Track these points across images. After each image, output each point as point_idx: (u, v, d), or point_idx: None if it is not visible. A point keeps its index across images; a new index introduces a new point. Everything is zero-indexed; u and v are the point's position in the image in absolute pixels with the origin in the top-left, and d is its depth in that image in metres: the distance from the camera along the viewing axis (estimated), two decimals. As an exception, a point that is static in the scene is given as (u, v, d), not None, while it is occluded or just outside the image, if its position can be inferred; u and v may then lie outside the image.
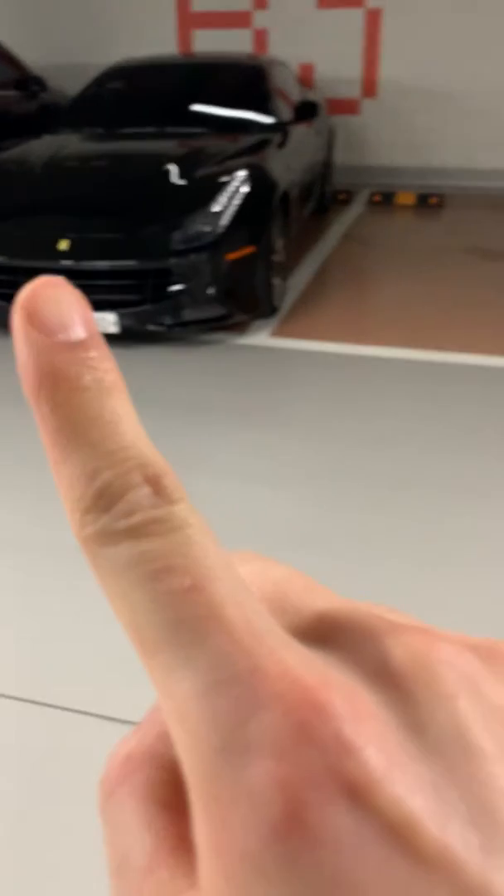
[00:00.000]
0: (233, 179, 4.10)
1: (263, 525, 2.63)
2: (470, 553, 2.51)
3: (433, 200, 7.36)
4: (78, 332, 0.19)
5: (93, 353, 0.19)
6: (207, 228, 3.94)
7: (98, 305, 3.87)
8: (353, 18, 7.87)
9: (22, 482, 2.91)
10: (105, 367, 0.20)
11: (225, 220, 3.98)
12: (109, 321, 3.89)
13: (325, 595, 0.22)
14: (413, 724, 0.17)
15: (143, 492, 0.19)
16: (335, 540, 2.58)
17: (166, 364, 3.96)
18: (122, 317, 3.90)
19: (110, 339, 3.84)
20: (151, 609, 0.18)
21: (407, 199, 7.45)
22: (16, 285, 3.98)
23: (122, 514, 0.18)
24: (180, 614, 0.18)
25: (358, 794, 0.16)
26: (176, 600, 0.18)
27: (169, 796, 0.20)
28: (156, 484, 0.19)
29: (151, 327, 3.99)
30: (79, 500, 0.19)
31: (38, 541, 2.55)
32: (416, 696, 0.18)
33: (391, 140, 8.26)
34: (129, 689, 1.92)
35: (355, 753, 0.16)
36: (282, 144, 4.81)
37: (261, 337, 4.26)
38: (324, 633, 0.20)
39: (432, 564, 2.45)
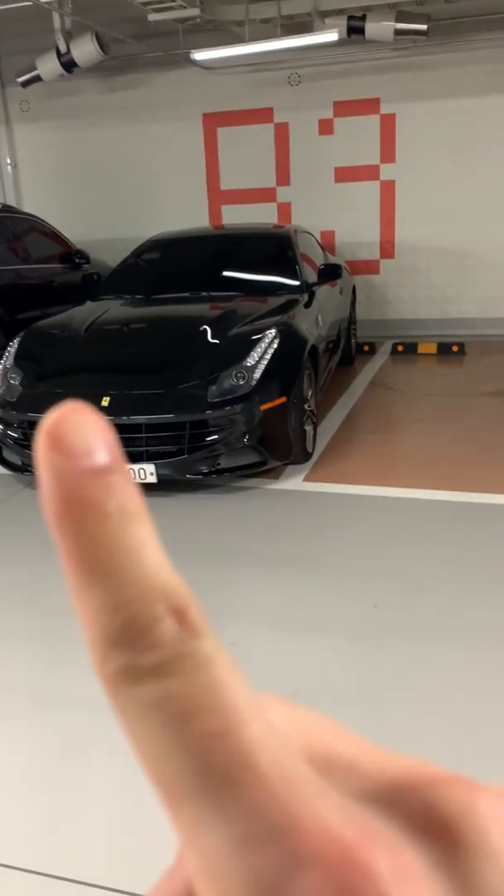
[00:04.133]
0: (264, 337, 4.36)
1: (295, 673, 2.58)
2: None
3: (455, 348, 7.68)
4: (101, 457, 0.18)
5: (116, 478, 0.18)
6: (241, 382, 4.16)
7: (136, 457, 4.04)
8: (369, 189, 8.54)
9: (40, 632, 2.94)
10: (128, 492, 0.19)
11: (258, 374, 4.21)
12: (148, 472, 4.03)
13: (357, 741, 0.21)
14: (461, 886, 0.17)
15: (168, 625, 0.18)
16: (368, 692, 2.51)
17: (202, 509, 4.05)
18: (159, 467, 4.05)
19: (146, 487, 3.95)
20: (179, 754, 0.17)
21: (429, 347, 7.78)
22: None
23: (146, 649, 0.17)
24: (211, 761, 0.17)
25: None
26: (206, 745, 0.17)
27: None
28: (181, 616, 0.18)
29: (189, 476, 4.13)
30: (101, 633, 0.18)
31: (45, 697, 2.55)
32: (464, 855, 0.17)
33: (411, 295, 8.73)
34: (143, 862, 1.87)
35: None
36: (308, 304, 5.13)
37: (295, 482, 4.37)
38: (361, 781, 0.19)
39: (468, 721, 2.36)
